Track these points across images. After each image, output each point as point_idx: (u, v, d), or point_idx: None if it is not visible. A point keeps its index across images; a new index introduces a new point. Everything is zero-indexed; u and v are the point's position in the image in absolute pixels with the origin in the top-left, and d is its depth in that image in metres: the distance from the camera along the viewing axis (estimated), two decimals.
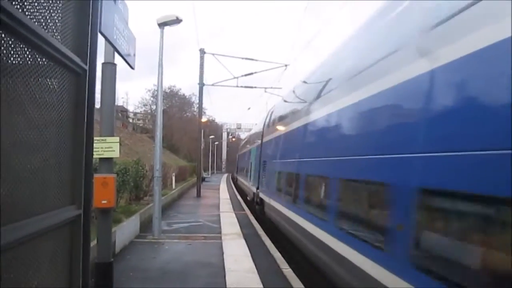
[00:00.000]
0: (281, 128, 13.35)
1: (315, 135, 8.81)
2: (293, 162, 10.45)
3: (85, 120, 2.66)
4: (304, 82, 11.46)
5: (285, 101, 14.49)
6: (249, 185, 22.78)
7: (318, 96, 8.93)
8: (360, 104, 6.09)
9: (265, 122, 18.66)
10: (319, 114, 8.47)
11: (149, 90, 77.24)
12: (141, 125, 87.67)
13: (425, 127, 4.19)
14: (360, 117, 6.21)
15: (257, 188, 18.12)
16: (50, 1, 2.26)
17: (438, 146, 3.94)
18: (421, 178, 4.18)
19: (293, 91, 12.78)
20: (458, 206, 3.69)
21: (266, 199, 15.30)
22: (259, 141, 19.15)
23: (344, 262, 6.00)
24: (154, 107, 70.70)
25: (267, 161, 16.09)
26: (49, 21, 2.24)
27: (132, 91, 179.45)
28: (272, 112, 17.29)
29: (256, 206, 18.08)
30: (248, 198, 23.24)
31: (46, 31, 2.16)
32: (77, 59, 2.50)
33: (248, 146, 29.15)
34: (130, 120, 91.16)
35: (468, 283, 3.39)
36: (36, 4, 2.09)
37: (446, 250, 3.73)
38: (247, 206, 21.95)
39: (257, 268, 8.89)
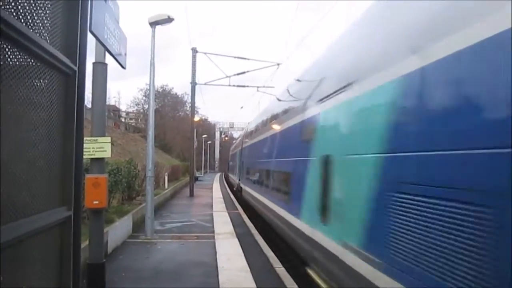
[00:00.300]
0: (249, 139, 21.25)
1: (264, 146, 14.27)
2: (259, 162, 15.84)
3: (75, 120, 2.66)
4: (266, 109, 16.82)
5: (257, 118, 20.47)
6: (235, 179, 30.84)
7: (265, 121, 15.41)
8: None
9: (244, 132, 28.41)
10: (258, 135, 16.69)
11: (141, 89, 76.85)
12: (133, 124, 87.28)
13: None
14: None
15: (239, 180, 25.90)
16: (39, 2, 2.25)
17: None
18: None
19: (262, 112, 18.35)
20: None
21: (243, 186, 22.58)
22: (240, 147, 26.90)
23: (270, 210, 11.83)
24: (146, 106, 70.49)
25: (244, 161, 23.24)
26: (38, 22, 2.23)
27: (125, 90, 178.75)
28: (248, 124, 26.41)
29: (238, 193, 25.77)
30: (234, 188, 30.62)
31: (35, 32, 2.15)
32: (66, 60, 2.49)
33: (237, 148, 34.76)
34: (123, 120, 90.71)
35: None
36: (25, 5, 2.08)
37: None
38: (240, 205, 21.98)
39: (250, 267, 8.90)
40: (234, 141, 48.38)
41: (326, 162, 6.02)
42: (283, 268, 9.02)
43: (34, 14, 2.19)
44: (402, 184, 3.70)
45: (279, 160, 10.86)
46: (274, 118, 12.82)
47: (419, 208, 3.41)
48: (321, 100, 6.61)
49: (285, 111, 10.86)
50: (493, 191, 2.65)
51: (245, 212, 18.87)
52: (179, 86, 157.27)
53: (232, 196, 27.90)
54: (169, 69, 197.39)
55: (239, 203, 22.65)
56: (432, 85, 3.46)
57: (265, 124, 14.90)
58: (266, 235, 13.14)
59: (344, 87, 5.54)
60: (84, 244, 7.66)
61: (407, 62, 3.86)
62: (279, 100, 13.08)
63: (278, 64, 25.86)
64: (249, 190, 18.98)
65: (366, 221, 4.41)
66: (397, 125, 3.95)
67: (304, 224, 7.39)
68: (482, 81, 2.91)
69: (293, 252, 9.01)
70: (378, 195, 4.15)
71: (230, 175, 42.61)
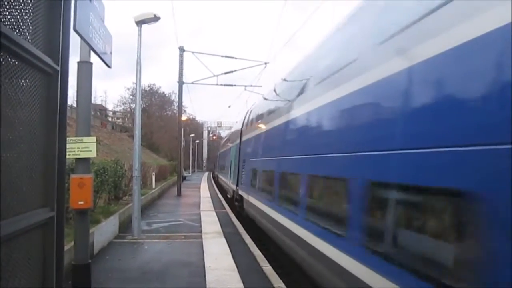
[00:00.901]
0: (257, 126, 14.33)
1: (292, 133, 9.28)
2: (271, 160, 11.04)
3: (57, 120, 2.64)
4: (284, 80, 11.38)
5: (265, 99, 14.67)
6: (229, 183, 23.52)
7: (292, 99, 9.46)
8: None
9: (246, 119, 19.01)
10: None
11: (128, 89, 76.35)
12: (120, 123, 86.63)
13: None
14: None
15: (236, 185, 18.80)
16: (21, 2, 2.23)
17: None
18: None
19: (274, 90, 12.85)
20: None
21: (246, 196, 15.61)
22: (238, 140, 19.77)
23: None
24: (133, 105, 69.97)
25: (246, 159, 16.51)
26: (20, 22, 2.21)
27: (112, 89, 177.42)
28: (252, 107, 18.50)
29: (237, 204, 18.60)
30: (228, 195, 24.03)
31: (16, 32, 2.13)
32: (48, 60, 2.47)
33: (228, 144, 29.29)
34: (109, 119, 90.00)
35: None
36: (6, 5, 2.06)
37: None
38: (228, 204, 21.95)
39: (237, 266, 8.91)
40: (225, 136, 45.96)
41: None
42: (270, 267, 9.04)
43: (15, 13, 2.17)
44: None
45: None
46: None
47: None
48: None
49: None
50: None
51: (247, 232, 13.47)
52: (167, 85, 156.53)
53: (220, 196, 27.87)
54: (156, 68, 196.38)
55: (239, 220, 16.02)
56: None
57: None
58: (253, 234, 13.16)
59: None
60: (70, 245, 7.60)
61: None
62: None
63: (265, 63, 25.89)
64: (259, 204, 12.41)
65: None
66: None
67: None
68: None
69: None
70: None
71: (221, 177, 34.59)
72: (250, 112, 17.89)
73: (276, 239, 9.86)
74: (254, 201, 13.04)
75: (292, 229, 8.06)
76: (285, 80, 11.12)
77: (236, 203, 18.61)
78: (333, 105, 6.27)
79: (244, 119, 19.48)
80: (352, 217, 5.02)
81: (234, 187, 19.32)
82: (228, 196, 23.42)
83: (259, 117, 14.42)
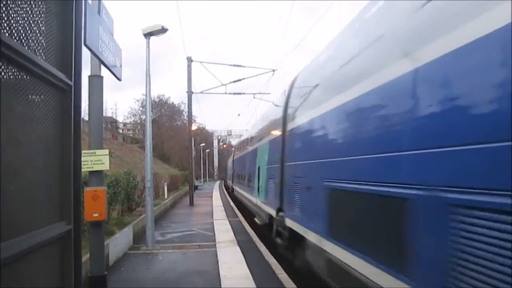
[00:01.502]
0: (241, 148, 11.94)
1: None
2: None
3: (72, 134, 2.67)
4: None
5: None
6: (258, 203, 14.92)
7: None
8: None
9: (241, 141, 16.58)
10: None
11: (138, 100, 76.94)
12: (131, 135, 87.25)
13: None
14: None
15: (279, 210, 10.44)
16: (33, 19, 2.28)
17: None
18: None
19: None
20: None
21: (234, 187, 13.90)
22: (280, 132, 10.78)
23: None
24: (143, 117, 70.43)
25: (235, 168, 14.29)
26: (32, 38, 2.25)
27: (122, 101, 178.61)
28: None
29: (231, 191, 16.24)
30: (258, 221, 14.92)
31: (30, 49, 2.17)
32: (61, 75, 2.52)
33: (248, 147, 21.40)
34: (120, 131, 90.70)
35: None
36: (19, 23, 2.11)
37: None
38: (240, 211, 21.91)
39: (252, 274, 8.88)
40: (232, 149, 46.21)
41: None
42: (285, 275, 8.99)
43: (29, 31, 2.22)
44: None
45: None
46: None
47: None
48: None
49: None
50: None
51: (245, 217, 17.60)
52: (176, 96, 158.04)
53: (232, 204, 27.85)
54: (166, 79, 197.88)
55: (232, 199, 23.55)
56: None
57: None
58: (266, 241, 13.10)
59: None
60: (85, 257, 7.64)
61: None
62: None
63: (273, 71, 25.94)
64: (237, 188, 24.28)
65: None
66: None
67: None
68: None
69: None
70: None
71: (240, 191, 27.00)
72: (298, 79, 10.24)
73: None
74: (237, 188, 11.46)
75: None
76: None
77: (231, 191, 16.11)
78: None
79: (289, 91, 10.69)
80: None
81: (272, 211, 11.36)
82: (258, 222, 14.89)
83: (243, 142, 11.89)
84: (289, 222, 9.01)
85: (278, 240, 10.58)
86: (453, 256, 3.20)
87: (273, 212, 11.16)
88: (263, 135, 14.94)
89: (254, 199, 16.24)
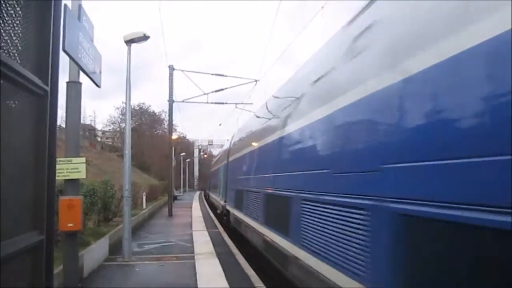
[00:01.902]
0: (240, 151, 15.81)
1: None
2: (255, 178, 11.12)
3: (47, 141, 2.61)
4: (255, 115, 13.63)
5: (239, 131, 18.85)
6: (219, 200, 25.04)
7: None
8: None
9: (230, 145, 22.04)
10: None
11: (118, 108, 76.31)
12: (110, 143, 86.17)
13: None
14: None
15: (224, 202, 20.62)
16: (9, 22, 2.23)
17: None
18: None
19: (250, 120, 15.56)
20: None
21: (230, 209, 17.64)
22: (226, 160, 21.41)
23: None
24: (123, 124, 69.75)
25: (232, 178, 18.02)
26: (8, 41, 2.21)
27: (102, 109, 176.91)
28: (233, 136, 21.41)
29: (224, 218, 20.66)
30: (217, 211, 25.57)
31: (6, 53, 2.13)
32: (37, 81, 2.47)
33: (218, 164, 31.03)
34: (99, 139, 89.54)
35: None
36: None
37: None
38: (220, 222, 21.79)
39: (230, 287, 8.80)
40: (216, 155, 46.35)
41: None
42: (264, 287, 8.94)
43: (5, 36, 2.17)
44: None
45: None
46: None
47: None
48: None
49: None
50: None
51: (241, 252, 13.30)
52: (157, 104, 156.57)
53: (212, 215, 27.69)
54: (147, 87, 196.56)
55: (232, 240, 15.94)
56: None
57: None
58: (247, 253, 13.04)
59: None
60: (59, 268, 7.46)
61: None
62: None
63: (256, 81, 26.08)
64: (211, 193, 28.95)
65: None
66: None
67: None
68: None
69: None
70: None
71: (212, 195, 34.82)
72: (234, 136, 20.92)
73: (249, 237, 12.08)
74: (238, 214, 14.75)
75: (255, 227, 10.42)
76: (255, 115, 13.60)
77: (224, 217, 20.69)
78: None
79: (230, 141, 22.36)
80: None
81: (222, 203, 21.54)
82: (218, 212, 25.16)
83: (239, 141, 16.72)
84: (227, 207, 18.55)
85: (225, 217, 19.82)
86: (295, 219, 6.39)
87: (223, 203, 20.64)
88: (222, 160, 25.01)
89: (218, 198, 25.95)
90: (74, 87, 6.80)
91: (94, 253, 11.00)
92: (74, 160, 6.78)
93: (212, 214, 27.90)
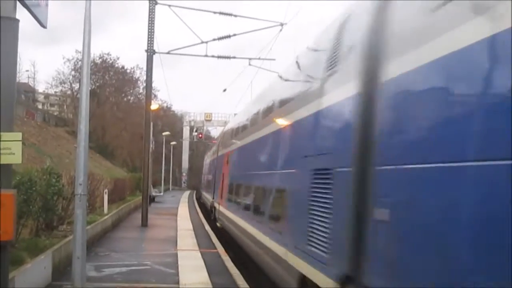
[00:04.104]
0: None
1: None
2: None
3: None
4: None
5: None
6: (210, 199, 36.33)
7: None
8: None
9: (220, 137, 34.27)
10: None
11: (69, 60, 75.74)
12: (56, 113, 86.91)
13: None
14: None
15: (213, 198, 32.86)
16: None
17: None
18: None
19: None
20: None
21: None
22: (216, 155, 34.88)
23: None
24: (76, 85, 69.85)
25: (218, 174, 30.16)
26: None
27: (46, 61, 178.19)
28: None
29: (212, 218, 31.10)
30: (210, 212, 35.74)
31: None
32: None
33: (214, 155, 38.77)
34: (39, 106, 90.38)
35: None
36: None
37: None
38: (217, 236, 21.96)
39: None
40: (214, 143, 47.60)
41: None
42: None
43: None
44: None
45: None
46: None
47: None
48: None
49: None
50: None
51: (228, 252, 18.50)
52: (129, 57, 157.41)
53: (207, 227, 27.88)
54: (119, 31, 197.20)
55: (238, 266, 16.89)
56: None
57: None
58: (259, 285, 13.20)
59: None
60: None
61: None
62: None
63: (281, 24, 25.97)
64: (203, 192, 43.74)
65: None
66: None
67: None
68: None
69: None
70: None
71: (205, 195, 45.97)
72: (224, 130, 31.98)
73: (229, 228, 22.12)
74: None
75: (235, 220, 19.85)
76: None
77: (213, 217, 30.64)
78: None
79: (219, 136, 36.73)
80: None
81: (211, 199, 34.03)
82: (209, 210, 37.50)
83: (227, 137, 27.97)
84: (214, 204, 31.72)
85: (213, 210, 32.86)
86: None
87: (211, 200, 34.50)
88: (213, 155, 39.28)
89: (210, 198, 36.79)
90: (7, 25, 6.89)
91: (30, 277, 11.22)
92: (5, 136, 6.88)
93: (207, 226, 28.11)
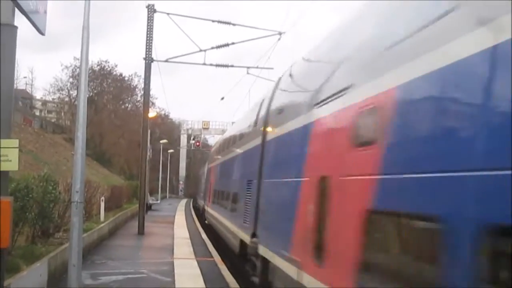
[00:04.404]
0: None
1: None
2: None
3: None
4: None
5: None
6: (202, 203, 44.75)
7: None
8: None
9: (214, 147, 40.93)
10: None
11: (67, 67, 75.76)
12: (53, 120, 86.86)
13: None
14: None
15: (203, 202, 40.38)
16: None
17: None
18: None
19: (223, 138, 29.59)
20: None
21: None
22: (207, 165, 43.34)
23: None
24: (74, 92, 69.83)
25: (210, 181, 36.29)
26: None
27: (45, 67, 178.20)
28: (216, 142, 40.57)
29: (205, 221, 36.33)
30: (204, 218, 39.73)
31: None
32: None
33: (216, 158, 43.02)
34: (37, 113, 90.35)
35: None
36: None
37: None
38: (215, 247, 21.96)
39: None
40: (212, 149, 49.68)
41: None
42: None
43: None
44: None
45: None
46: None
47: None
48: None
49: None
50: None
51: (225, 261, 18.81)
52: (128, 65, 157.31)
53: (204, 236, 27.86)
54: (117, 39, 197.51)
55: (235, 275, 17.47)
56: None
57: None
58: None
59: None
60: None
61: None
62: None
63: (280, 33, 26.02)
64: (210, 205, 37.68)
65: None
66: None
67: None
68: None
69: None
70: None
71: (200, 201, 54.50)
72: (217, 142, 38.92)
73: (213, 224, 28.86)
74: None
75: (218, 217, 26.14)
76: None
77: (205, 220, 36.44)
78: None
79: (212, 151, 42.47)
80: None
81: (203, 203, 41.74)
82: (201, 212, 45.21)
83: (216, 151, 33.69)
84: (205, 208, 38.24)
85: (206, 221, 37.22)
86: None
87: (202, 204, 44.76)
88: (205, 167, 48.88)
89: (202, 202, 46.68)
90: (5, 32, 6.89)
91: (26, 284, 11.18)
92: (3, 143, 6.88)
93: (204, 235, 28.09)
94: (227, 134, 29.58)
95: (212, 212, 29.30)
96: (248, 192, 15.09)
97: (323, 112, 7.95)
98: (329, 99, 7.68)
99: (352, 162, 6.50)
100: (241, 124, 21.72)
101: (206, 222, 35.59)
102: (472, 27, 4.39)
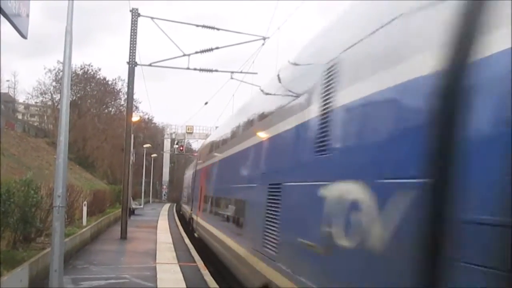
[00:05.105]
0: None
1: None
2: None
3: None
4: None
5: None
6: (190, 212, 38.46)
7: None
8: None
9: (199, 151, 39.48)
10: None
11: (50, 70, 75.26)
12: (36, 124, 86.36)
13: None
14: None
15: (191, 210, 36.33)
16: None
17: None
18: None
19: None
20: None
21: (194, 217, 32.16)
22: (194, 170, 39.11)
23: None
24: (57, 96, 69.43)
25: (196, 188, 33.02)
26: None
27: (28, 71, 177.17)
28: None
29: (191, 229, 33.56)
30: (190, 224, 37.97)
31: None
32: None
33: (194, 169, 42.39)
34: (19, 116, 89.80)
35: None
36: None
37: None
38: (197, 251, 21.91)
39: None
40: (197, 154, 49.34)
41: None
42: None
43: None
44: None
45: None
46: None
47: None
48: None
49: None
50: None
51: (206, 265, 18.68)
52: (111, 69, 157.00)
53: (187, 241, 27.81)
54: (103, 43, 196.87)
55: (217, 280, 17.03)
56: None
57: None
58: None
59: None
60: None
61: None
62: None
63: (264, 38, 26.07)
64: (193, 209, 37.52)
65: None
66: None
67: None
68: None
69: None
70: None
71: (185, 207, 50.29)
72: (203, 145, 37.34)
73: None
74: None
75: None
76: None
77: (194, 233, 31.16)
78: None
79: (198, 153, 40.26)
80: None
81: (190, 211, 37.64)
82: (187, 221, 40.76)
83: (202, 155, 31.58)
84: (193, 216, 34.06)
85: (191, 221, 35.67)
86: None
87: (190, 211, 38.48)
88: (191, 170, 43.49)
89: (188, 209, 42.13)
90: None
91: None
92: None
93: (187, 240, 28.03)
94: (229, 123, 20.73)
95: (207, 226, 22.38)
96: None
97: None
98: None
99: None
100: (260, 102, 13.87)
101: (196, 235, 28.91)
102: None
